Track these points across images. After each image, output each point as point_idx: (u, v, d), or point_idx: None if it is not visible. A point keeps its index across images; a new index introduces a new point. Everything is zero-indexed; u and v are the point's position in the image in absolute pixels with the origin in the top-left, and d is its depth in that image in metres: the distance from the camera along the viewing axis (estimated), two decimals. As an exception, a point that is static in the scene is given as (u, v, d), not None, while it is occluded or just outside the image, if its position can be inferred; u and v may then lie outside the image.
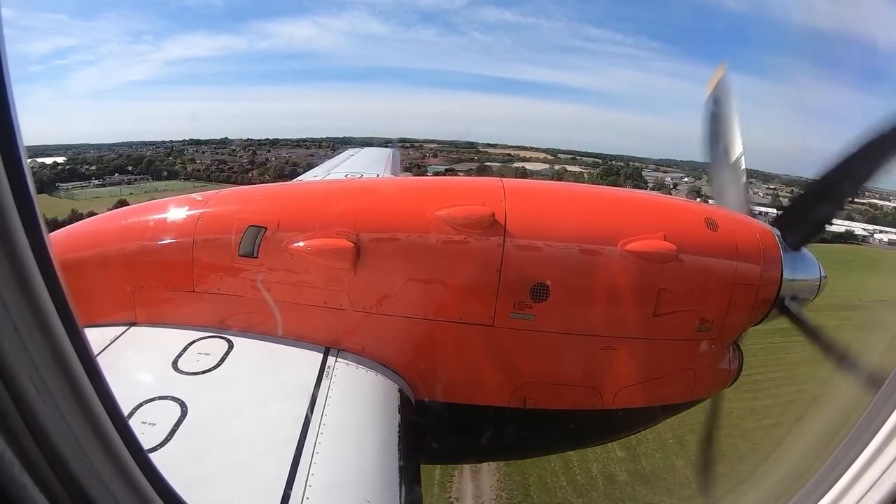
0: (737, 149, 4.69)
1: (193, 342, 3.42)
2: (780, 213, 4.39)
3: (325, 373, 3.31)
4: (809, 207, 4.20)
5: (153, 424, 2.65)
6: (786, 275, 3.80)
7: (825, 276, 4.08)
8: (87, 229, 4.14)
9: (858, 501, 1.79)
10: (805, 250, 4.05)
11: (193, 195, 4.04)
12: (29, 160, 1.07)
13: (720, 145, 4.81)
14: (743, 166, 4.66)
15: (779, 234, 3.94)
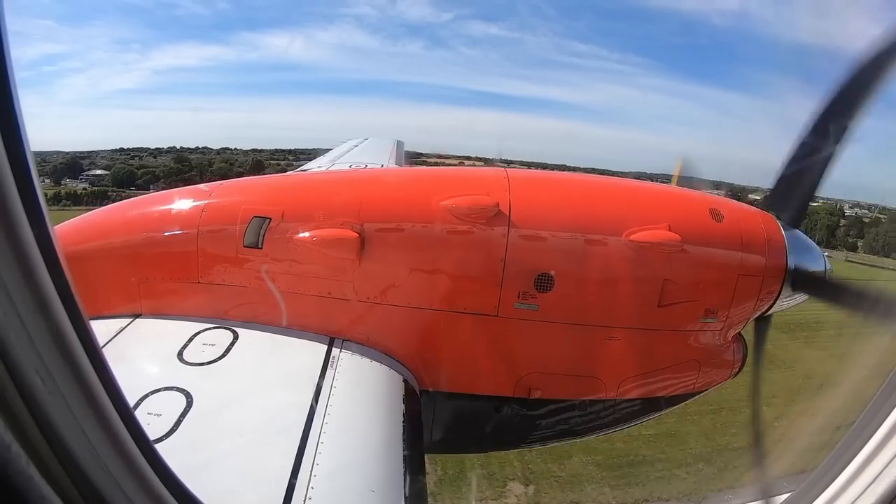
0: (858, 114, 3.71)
1: (198, 333, 3.44)
2: (768, 194, 4.33)
3: (329, 363, 3.32)
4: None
5: (159, 415, 2.67)
6: (791, 266, 3.79)
7: (830, 269, 4.06)
8: (92, 221, 4.14)
9: (857, 498, 1.79)
10: (810, 240, 4.02)
11: (200, 186, 4.04)
12: None
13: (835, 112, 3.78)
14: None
15: (775, 214, 3.92)
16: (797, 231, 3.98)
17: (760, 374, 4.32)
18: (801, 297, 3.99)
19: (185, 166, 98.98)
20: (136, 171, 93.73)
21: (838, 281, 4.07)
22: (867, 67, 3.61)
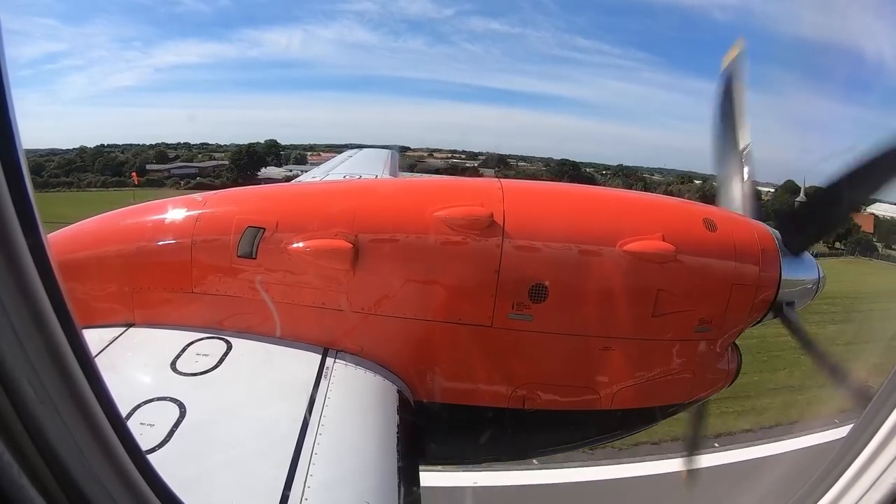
0: (745, 134, 4.67)
1: (192, 343, 3.41)
2: (784, 216, 4.43)
3: (323, 373, 3.30)
4: (814, 215, 4.22)
5: (152, 425, 2.65)
6: (784, 275, 3.81)
7: (824, 277, 4.10)
8: (86, 230, 4.13)
9: (858, 501, 1.79)
10: (805, 253, 4.07)
11: (193, 195, 4.04)
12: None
13: (728, 129, 4.80)
14: (749, 152, 4.62)
15: (779, 236, 3.95)
16: (808, 254, 4.10)
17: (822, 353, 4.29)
18: (808, 296, 4.10)
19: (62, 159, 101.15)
20: (43, 164, 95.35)
21: (813, 202, 4.20)
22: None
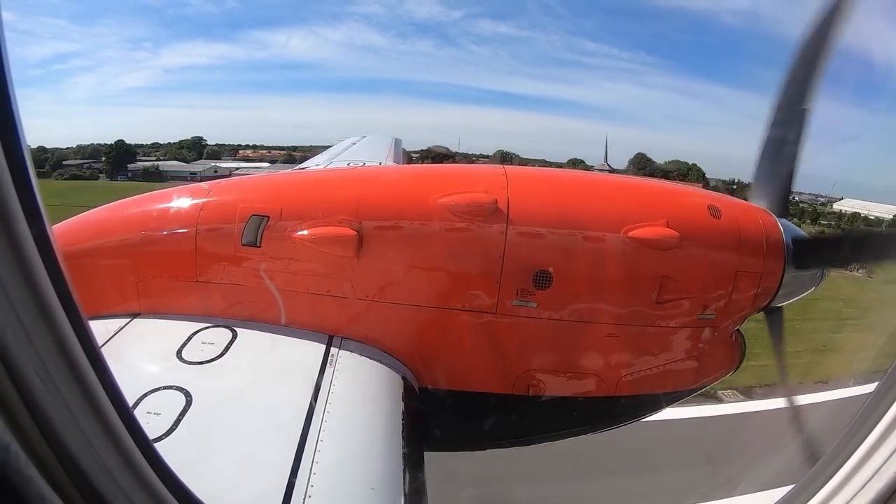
0: (815, 92, 3.92)
1: (197, 332, 3.43)
2: (750, 191, 4.39)
3: (328, 361, 3.31)
4: (838, 245, 4.24)
5: (158, 414, 2.67)
6: (789, 259, 3.79)
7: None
8: (90, 220, 4.13)
9: (858, 492, 1.79)
10: (799, 230, 4.05)
11: (199, 184, 4.03)
12: None
13: (802, 75, 3.96)
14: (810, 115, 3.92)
15: (790, 237, 3.87)
16: (786, 221, 3.98)
17: (784, 362, 4.35)
18: (807, 288, 4.06)
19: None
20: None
21: (838, 237, 4.16)
22: (807, 48, 3.80)
